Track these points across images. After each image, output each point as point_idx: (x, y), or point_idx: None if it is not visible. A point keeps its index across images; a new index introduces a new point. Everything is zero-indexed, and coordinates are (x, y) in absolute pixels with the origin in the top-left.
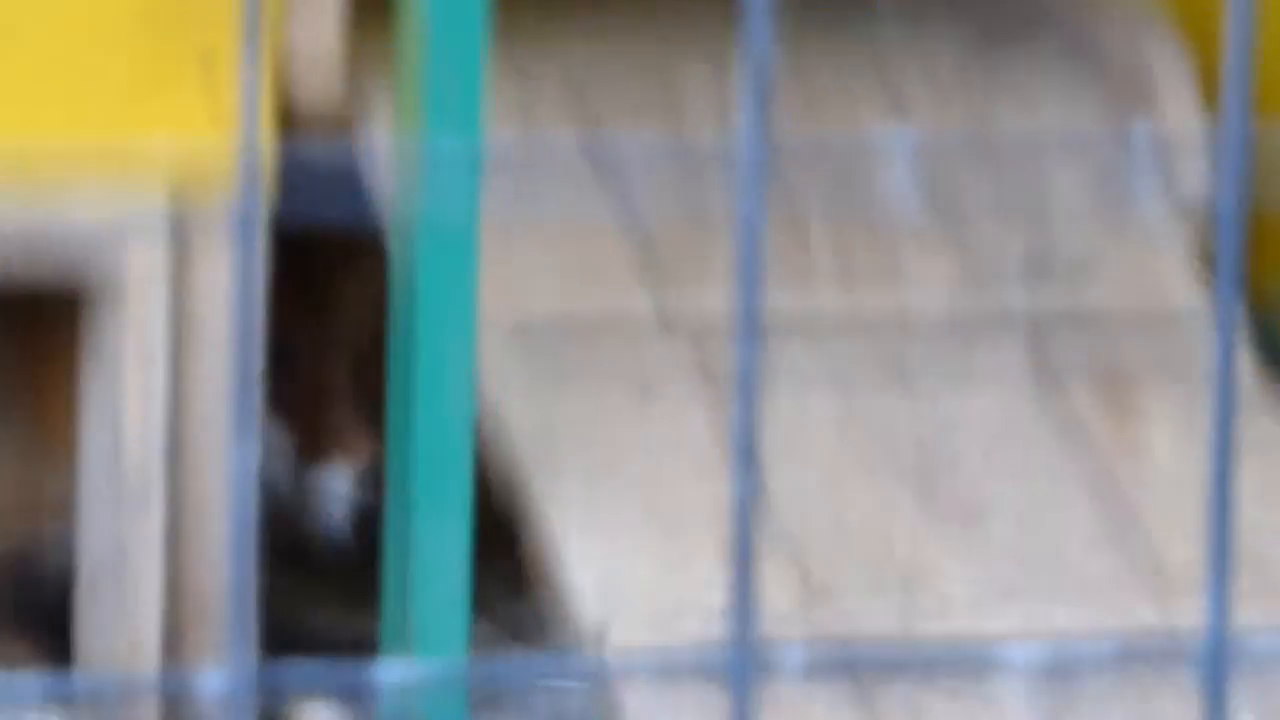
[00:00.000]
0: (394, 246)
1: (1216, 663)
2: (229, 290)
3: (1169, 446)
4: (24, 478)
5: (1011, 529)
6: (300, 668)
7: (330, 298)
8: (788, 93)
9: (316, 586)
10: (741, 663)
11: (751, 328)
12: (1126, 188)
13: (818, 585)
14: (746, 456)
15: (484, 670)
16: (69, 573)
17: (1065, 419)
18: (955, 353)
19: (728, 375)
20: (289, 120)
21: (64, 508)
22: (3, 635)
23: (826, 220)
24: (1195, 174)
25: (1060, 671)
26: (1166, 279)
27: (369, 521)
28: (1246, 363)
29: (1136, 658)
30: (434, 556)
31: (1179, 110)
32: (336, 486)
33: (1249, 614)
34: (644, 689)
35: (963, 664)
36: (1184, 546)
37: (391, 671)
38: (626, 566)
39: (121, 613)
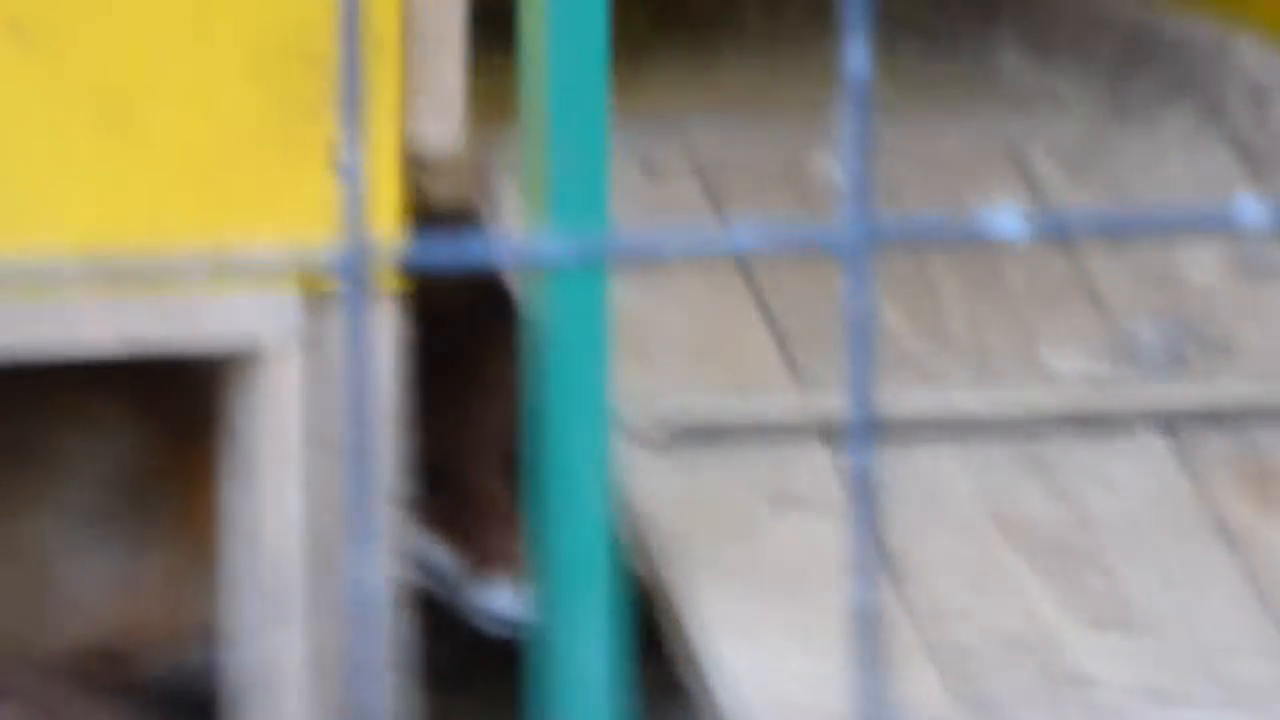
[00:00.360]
0: (525, 345)
1: None
2: (377, 379)
3: None
4: (172, 592)
5: (1165, 632)
6: None
7: (476, 406)
8: (916, 179)
9: (482, 706)
10: None
11: (866, 428)
12: (1267, 265)
13: (973, 694)
14: (867, 566)
15: None
16: (216, 693)
17: (1212, 514)
18: (1098, 449)
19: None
20: (420, 215)
21: (210, 623)
22: None
23: (961, 307)
24: None
25: None
26: None
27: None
28: None
29: None
30: (579, 669)
31: None
32: (500, 601)
33: None
34: None
35: None
36: None
37: None
38: (774, 676)
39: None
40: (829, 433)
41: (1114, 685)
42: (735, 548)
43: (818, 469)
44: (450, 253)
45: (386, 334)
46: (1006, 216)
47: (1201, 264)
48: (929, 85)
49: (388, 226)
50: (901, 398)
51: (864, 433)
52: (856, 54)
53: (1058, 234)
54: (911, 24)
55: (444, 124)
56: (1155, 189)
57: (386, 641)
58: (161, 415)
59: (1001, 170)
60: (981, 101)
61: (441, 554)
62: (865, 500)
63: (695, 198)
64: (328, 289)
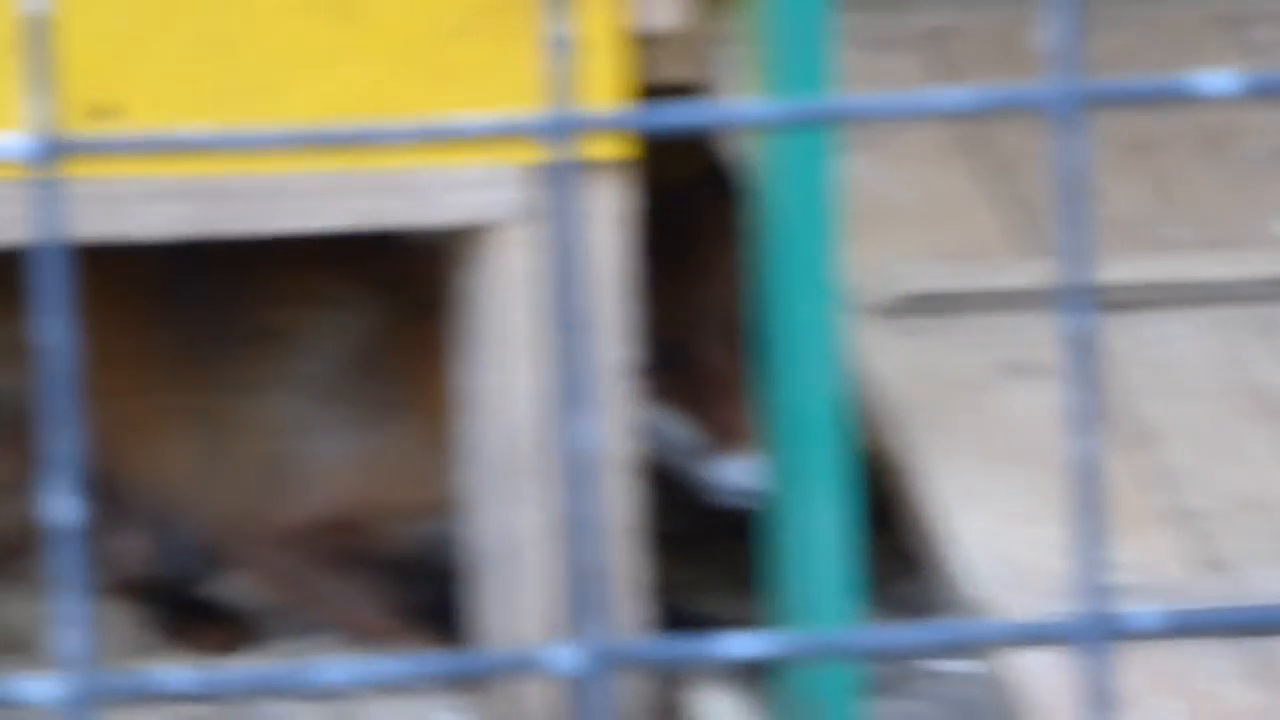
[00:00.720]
0: (750, 219)
1: None
2: (601, 260)
3: None
4: (408, 465)
5: None
6: (648, 642)
7: (701, 282)
8: (1136, 48)
9: (715, 575)
10: (1091, 628)
11: (1077, 290)
12: None
13: (1217, 557)
14: (1085, 423)
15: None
16: (452, 564)
17: None
18: None
19: (1116, 348)
20: (646, 94)
21: (445, 496)
22: (396, 627)
23: (1192, 178)
24: None
25: None
26: None
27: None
28: None
29: None
30: (811, 538)
31: None
32: (732, 473)
33: None
34: (1042, 668)
35: None
36: None
37: (740, 643)
38: (1003, 542)
39: (508, 602)
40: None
41: None
42: (965, 416)
43: (1048, 337)
44: (661, 116)
45: (606, 203)
46: (1218, 76)
47: None
48: None
49: (606, 100)
50: (1131, 264)
51: (1075, 295)
52: None
53: (1270, 92)
54: None
55: (668, 6)
56: None
57: (613, 507)
58: (395, 293)
59: (1221, 39)
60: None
61: (674, 426)
62: (1081, 361)
63: (916, 71)
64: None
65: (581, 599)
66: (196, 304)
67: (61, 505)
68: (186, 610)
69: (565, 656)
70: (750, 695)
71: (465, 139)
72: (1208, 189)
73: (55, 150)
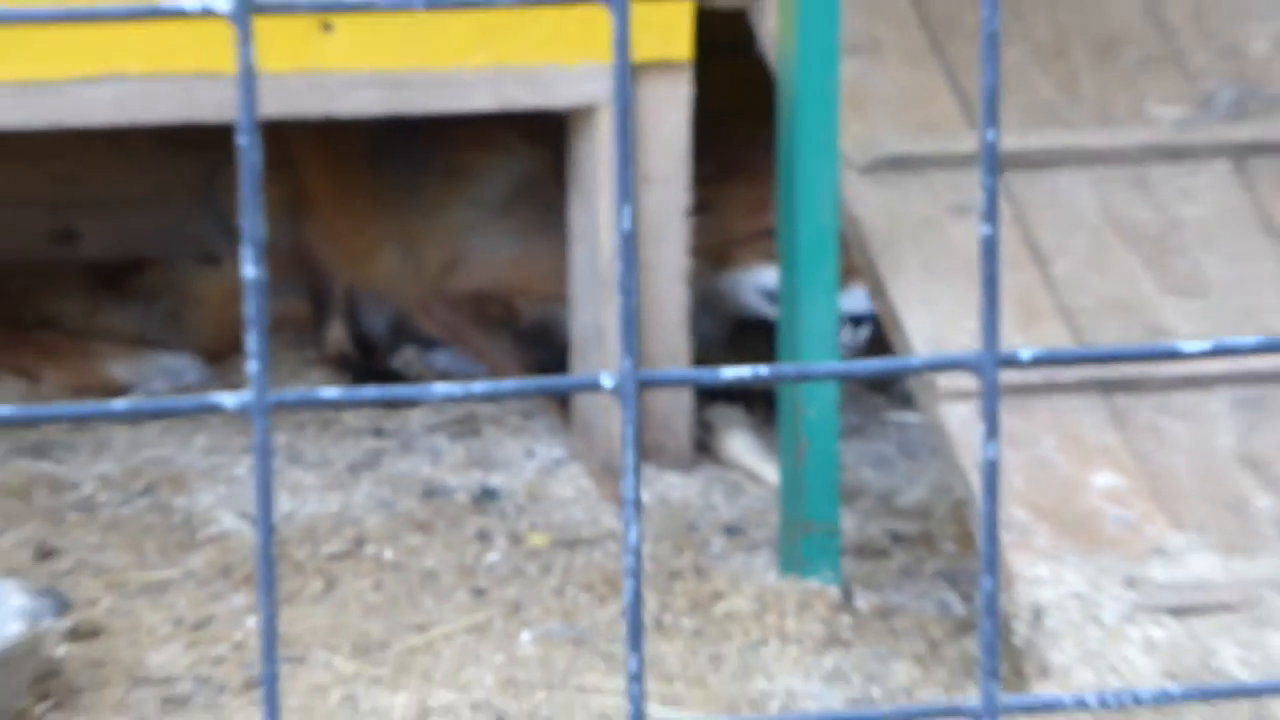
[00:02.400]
0: (780, 102)
1: None
2: (668, 134)
3: None
4: (546, 265)
5: (1226, 298)
6: (671, 372)
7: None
8: None
9: (743, 351)
10: (989, 360)
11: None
12: None
13: (1090, 340)
14: (991, 215)
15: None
16: (564, 336)
17: (1262, 216)
18: (1182, 171)
19: (1022, 198)
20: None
21: (564, 292)
22: (521, 373)
23: (1090, 74)
24: None
25: (1253, 401)
26: None
27: None
28: None
29: None
30: (812, 321)
31: None
32: (765, 279)
33: None
34: (962, 409)
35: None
36: None
37: (733, 373)
38: (944, 327)
39: (591, 365)
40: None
41: (1185, 334)
42: (924, 243)
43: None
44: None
45: (679, 97)
46: None
47: (1260, 42)
48: None
49: (683, 23)
50: (1045, 135)
51: (988, 156)
52: None
53: None
54: None
55: None
56: None
57: (668, 301)
58: (542, 146)
59: None
60: None
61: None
62: (991, 177)
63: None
64: (644, 61)
65: (627, 342)
66: (401, 156)
67: (252, 269)
68: (375, 376)
69: (607, 379)
70: (762, 436)
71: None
72: (1100, 83)
73: (252, 7)
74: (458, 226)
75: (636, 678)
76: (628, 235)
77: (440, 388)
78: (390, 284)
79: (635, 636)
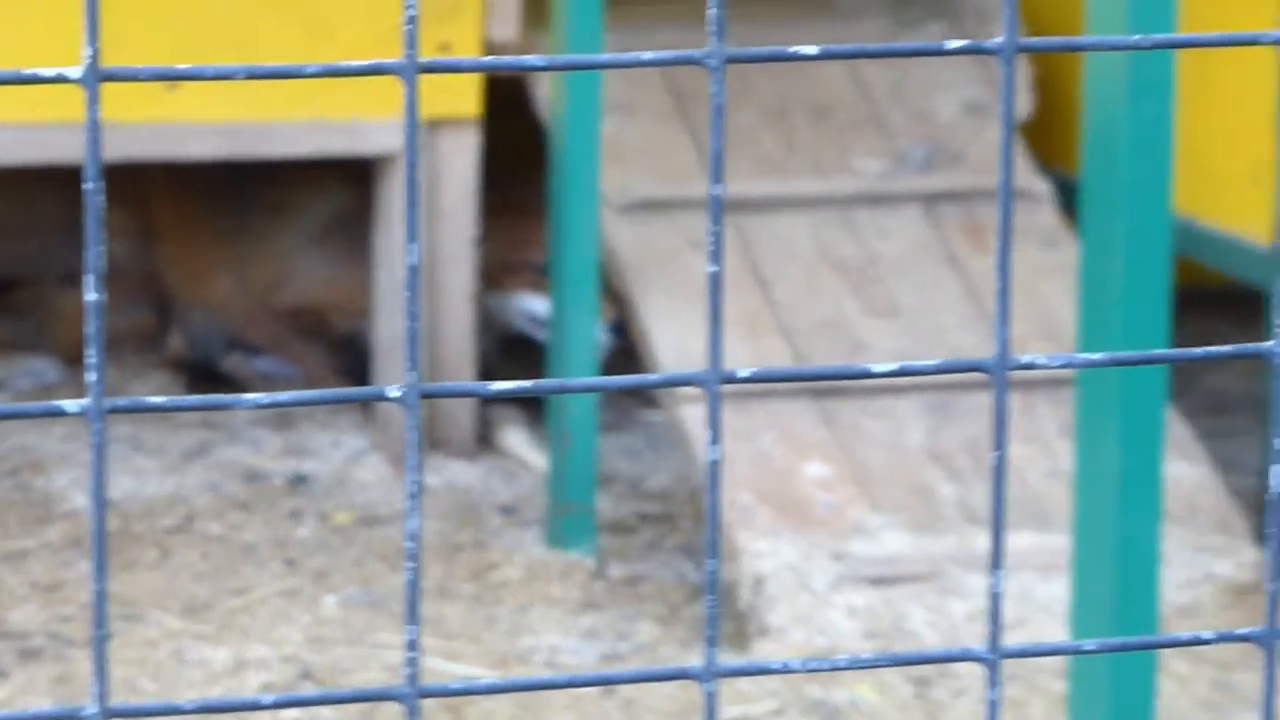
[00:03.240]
0: (551, 156)
1: (1001, 373)
2: (459, 177)
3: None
4: (353, 284)
5: (916, 319)
6: (447, 385)
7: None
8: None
9: (522, 358)
10: (713, 377)
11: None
12: (983, 107)
13: (801, 354)
14: (717, 254)
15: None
16: (370, 347)
17: (948, 254)
18: (882, 214)
19: (749, 235)
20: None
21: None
22: (335, 380)
23: (806, 132)
24: (1024, 102)
25: (939, 405)
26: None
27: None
28: (1050, 211)
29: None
30: (576, 335)
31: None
32: (535, 307)
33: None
34: (697, 411)
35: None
36: (1015, 321)
37: (501, 387)
38: (688, 343)
39: (393, 374)
40: (726, 204)
41: (882, 348)
42: (669, 271)
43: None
44: (475, 64)
45: (468, 147)
46: (809, 48)
47: (945, 108)
48: (788, 4)
49: (473, 87)
50: (768, 184)
51: (714, 202)
52: None
53: (840, 55)
54: None
55: (506, 27)
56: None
57: (458, 322)
58: (356, 184)
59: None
60: (819, 15)
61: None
62: (716, 236)
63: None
64: (441, 117)
65: (410, 359)
66: (235, 194)
67: (92, 293)
68: (208, 377)
69: (393, 391)
70: (534, 430)
71: (358, 75)
72: (815, 141)
73: (100, 76)
74: (281, 253)
75: (413, 646)
76: (414, 268)
77: (250, 397)
78: (223, 301)
79: (413, 610)
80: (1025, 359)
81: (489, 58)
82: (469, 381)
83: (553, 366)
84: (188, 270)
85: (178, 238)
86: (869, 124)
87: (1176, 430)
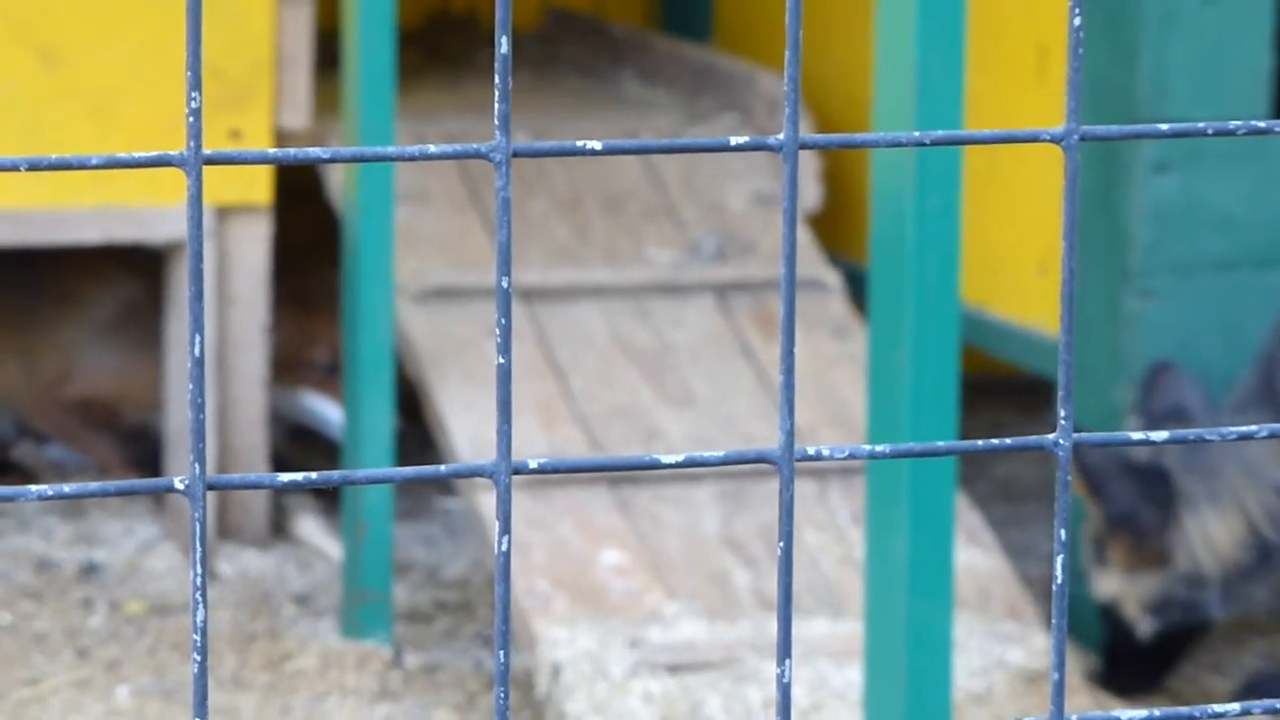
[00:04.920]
0: (344, 245)
1: (788, 464)
2: (251, 264)
3: (798, 353)
4: (143, 376)
5: (709, 407)
6: (233, 476)
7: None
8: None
9: (315, 451)
10: (504, 469)
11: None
12: (771, 198)
13: (597, 442)
14: (507, 347)
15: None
16: (161, 436)
17: (740, 343)
18: (675, 303)
19: (545, 323)
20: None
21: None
22: (126, 470)
23: (600, 222)
24: (812, 194)
25: (733, 493)
26: (802, 257)
27: None
28: (840, 301)
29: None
30: (371, 423)
31: (802, 157)
32: (328, 409)
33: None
34: (491, 498)
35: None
36: (805, 410)
37: (292, 479)
38: (485, 432)
39: (183, 464)
40: (521, 292)
41: (678, 435)
42: (464, 359)
43: (514, 313)
44: (260, 156)
45: (259, 234)
46: (594, 143)
47: (736, 199)
48: (582, 96)
49: (263, 174)
50: (563, 273)
51: (503, 292)
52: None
53: (624, 151)
54: (574, 63)
55: (298, 115)
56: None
57: (249, 412)
58: (145, 275)
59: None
60: (612, 107)
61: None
62: (506, 329)
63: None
64: (231, 204)
65: (196, 450)
66: (21, 283)
67: None
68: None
69: (179, 482)
70: (329, 518)
71: (141, 166)
72: (608, 230)
73: None
74: (69, 344)
75: None
76: (198, 360)
77: (35, 489)
78: (10, 390)
79: (202, 703)
80: (812, 450)
81: (273, 150)
82: (262, 471)
83: (347, 455)
84: None
85: None
86: (662, 214)
87: (968, 518)
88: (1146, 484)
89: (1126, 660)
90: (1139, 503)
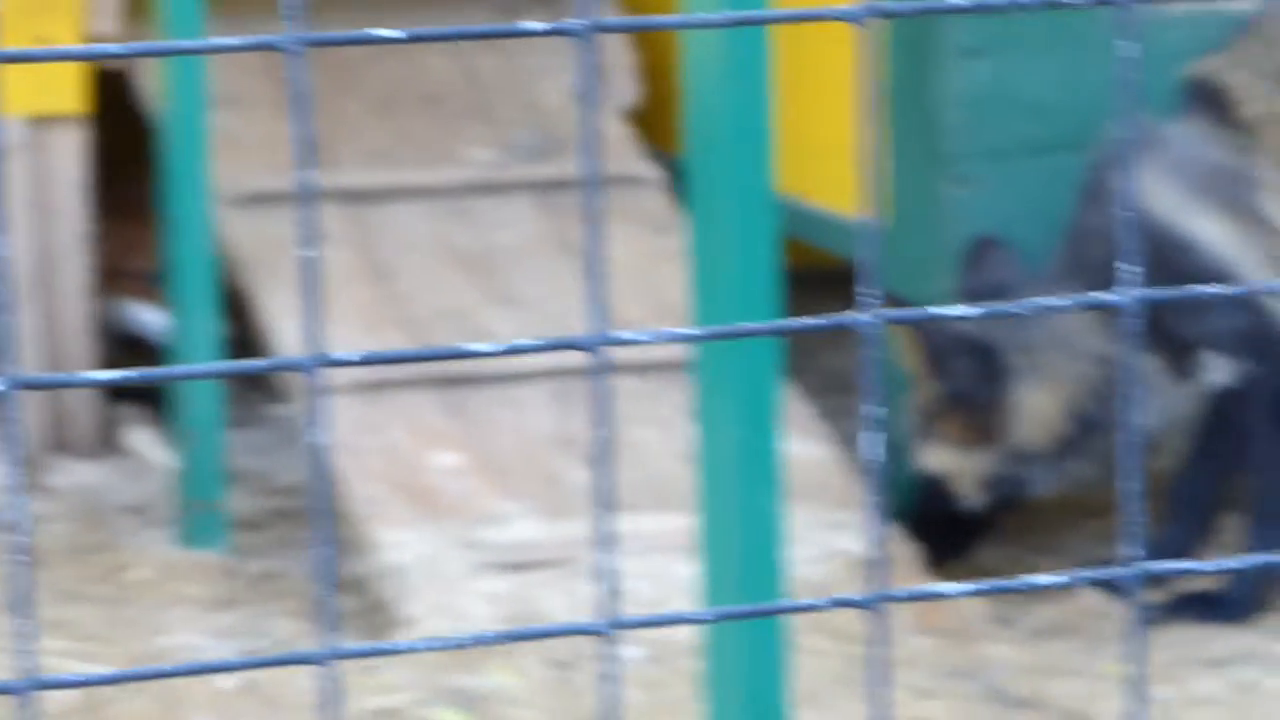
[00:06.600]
0: (159, 146)
1: (600, 351)
2: (67, 175)
3: (620, 249)
4: None
5: (533, 305)
6: (45, 376)
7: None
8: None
9: (145, 364)
10: (312, 362)
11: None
12: (593, 98)
13: (423, 344)
14: (313, 244)
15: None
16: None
17: (560, 241)
18: (496, 203)
19: (367, 225)
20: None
21: None
22: None
23: (416, 121)
24: (628, 88)
25: (566, 393)
26: (619, 153)
27: None
28: (660, 196)
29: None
30: (193, 329)
31: (617, 52)
32: (149, 317)
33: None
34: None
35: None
36: (631, 305)
37: (108, 376)
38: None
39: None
40: (339, 195)
41: (503, 336)
42: (287, 263)
43: (333, 217)
44: (74, 53)
45: (74, 144)
46: (390, 32)
47: (553, 96)
48: None
49: (76, 83)
50: (381, 174)
51: (307, 191)
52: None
53: (420, 39)
54: None
55: (106, 20)
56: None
57: (72, 320)
58: None
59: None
60: (426, 4)
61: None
62: (309, 221)
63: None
64: (46, 114)
65: (3, 351)
66: None
67: None
68: None
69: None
70: (161, 428)
71: None
72: (425, 130)
73: None
74: None
75: (25, 640)
76: (4, 260)
77: None
78: None
79: (24, 605)
80: (624, 335)
81: (76, 47)
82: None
83: (174, 362)
84: None
85: None
86: (479, 113)
87: (798, 410)
88: (980, 361)
89: (940, 531)
90: (975, 380)
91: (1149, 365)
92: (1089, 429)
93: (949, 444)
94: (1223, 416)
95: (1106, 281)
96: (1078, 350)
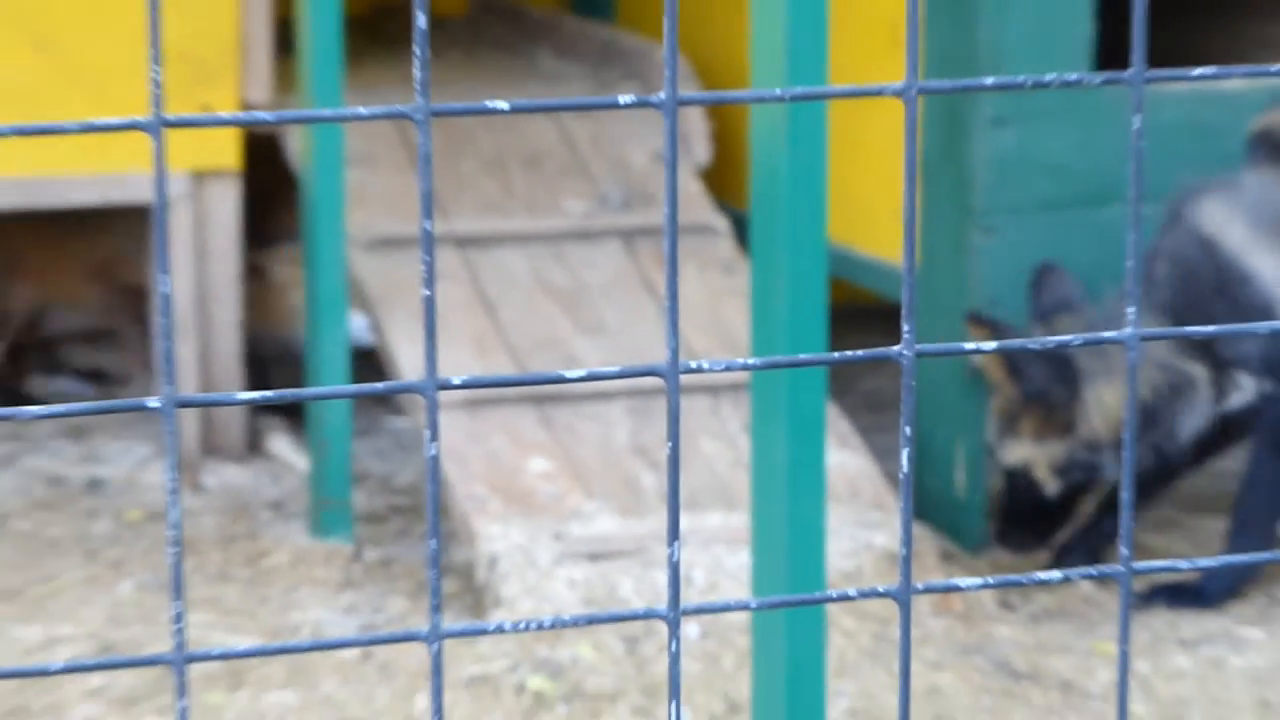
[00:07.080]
0: (303, 199)
1: (674, 376)
2: (224, 221)
3: (692, 288)
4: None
5: (620, 337)
6: (201, 395)
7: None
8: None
9: (287, 383)
10: (431, 385)
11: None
12: (674, 160)
13: (523, 367)
14: (432, 283)
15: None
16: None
17: (644, 280)
18: (588, 248)
19: (477, 266)
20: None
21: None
22: (143, 372)
23: (522, 178)
24: (703, 151)
25: (641, 409)
26: (694, 205)
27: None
28: (728, 243)
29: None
30: (327, 355)
31: (695, 120)
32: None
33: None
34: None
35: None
36: (699, 336)
37: (261, 396)
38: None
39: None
40: (454, 240)
41: (591, 360)
42: (408, 299)
43: (448, 258)
44: (214, 120)
45: (230, 195)
46: (500, 103)
47: (639, 157)
48: (503, 71)
49: (232, 142)
50: (490, 222)
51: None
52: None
53: (526, 109)
54: (497, 43)
55: (260, 90)
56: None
57: (228, 345)
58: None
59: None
60: (529, 79)
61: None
62: (429, 255)
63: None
64: (206, 169)
65: (168, 374)
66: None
67: None
68: (14, 400)
69: (154, 401)
70: (298, 436)
71: (111, 130)
72: (529, 186)
73: None
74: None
75: (179, 618)
76: (167, 297)
77: (31, 409)
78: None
79: (178, 588)
80: (694, 364)
81: (225, 114)
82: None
83: (309, 382)
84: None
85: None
86: (575, 171)
87: (838, 425)
88: (1055, 366)
89: (1025, 519)
90: (1050, 381)
91: (1200, 375)
92: (1150, 419)
93: (1028, 438)
94: (1242, 430)
95: (1173, 295)
96: (1142, 354)
